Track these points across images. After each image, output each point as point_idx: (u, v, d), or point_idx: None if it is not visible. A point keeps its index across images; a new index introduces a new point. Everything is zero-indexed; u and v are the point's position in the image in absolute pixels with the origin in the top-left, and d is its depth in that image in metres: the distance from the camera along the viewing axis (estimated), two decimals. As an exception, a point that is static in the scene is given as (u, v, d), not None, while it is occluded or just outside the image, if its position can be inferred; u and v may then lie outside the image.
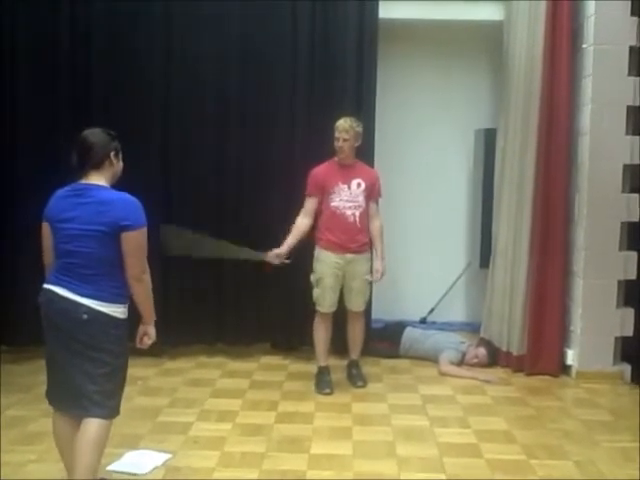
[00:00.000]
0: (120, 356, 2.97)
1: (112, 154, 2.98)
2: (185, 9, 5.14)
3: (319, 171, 4.67)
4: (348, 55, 5.23)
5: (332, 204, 4.59)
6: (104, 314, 2.87)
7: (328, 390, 4.64)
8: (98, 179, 2.94)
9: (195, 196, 5.26)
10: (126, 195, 2.93)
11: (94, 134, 2.99)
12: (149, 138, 5.19)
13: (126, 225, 2.85)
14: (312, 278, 4.68)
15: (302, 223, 4.65)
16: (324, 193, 4.62)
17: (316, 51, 5.24)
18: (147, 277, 2.97)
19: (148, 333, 3.09)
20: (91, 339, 2.86)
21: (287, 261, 4.63)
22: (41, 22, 5.07)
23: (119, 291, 2.93)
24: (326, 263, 4.62)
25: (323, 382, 4.70)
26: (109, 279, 2.89)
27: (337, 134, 4.58)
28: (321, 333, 4.72)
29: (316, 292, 4.66)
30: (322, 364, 4.76)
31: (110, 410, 2.95)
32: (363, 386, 4.79)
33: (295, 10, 5.18)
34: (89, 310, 2.84)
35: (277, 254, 4.58)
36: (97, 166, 2.94)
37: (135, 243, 2.88)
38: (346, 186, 4.61)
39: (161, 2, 5.14)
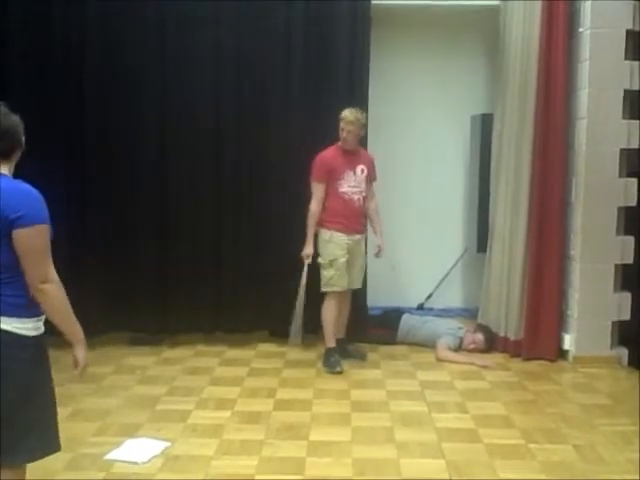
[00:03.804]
0: (33, 385, 2.34)
1: (23, 138, 2.40)
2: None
3: (326, 158, 4.73)
4: (342, 40, 5.19)
5: (341, 190, 4.72)
6: (4, 332, 2.26)
7: (339, 369, 4.75)
8: (4, 168, 2.34)
9: (193, 192, 5.25)
10: (26, 186, 2.31)
11: (5, 114, 2.34)
12: (143, 138, 5.16)
13: (16, 218, 2.22)
14: (322, 260, 4.75)
15: (317, 211, 4.73)
16: (332, 179, 4.71)
17: (310, 37, 5.20)
18: (51, 287, 2.30)
19: (75, 356, 2.44)
20: None
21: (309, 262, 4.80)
22: (35, 22, 5.01)
23: (23, 301, 2.30)
24: (338, 244, 4.73)
25: (335, 362, 4.80)
26: (10, 288, 2.28)
27: (342, 125, 4.69)
28: (334, 313, 4.82)
29: (330, 273, 4.74)
30: (331, 345, 4.84)
31: (26, 454, 2.36)
32: (366, 356, 5.07)
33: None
34: None
35: (307, 255, 4.74)
36: (8, 155, 2.35)
37: (29, 243, 2.26)
38: (352, 172, 4.76)
39: (155, 1, 5.11)
